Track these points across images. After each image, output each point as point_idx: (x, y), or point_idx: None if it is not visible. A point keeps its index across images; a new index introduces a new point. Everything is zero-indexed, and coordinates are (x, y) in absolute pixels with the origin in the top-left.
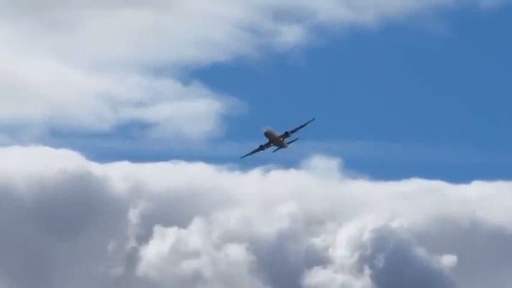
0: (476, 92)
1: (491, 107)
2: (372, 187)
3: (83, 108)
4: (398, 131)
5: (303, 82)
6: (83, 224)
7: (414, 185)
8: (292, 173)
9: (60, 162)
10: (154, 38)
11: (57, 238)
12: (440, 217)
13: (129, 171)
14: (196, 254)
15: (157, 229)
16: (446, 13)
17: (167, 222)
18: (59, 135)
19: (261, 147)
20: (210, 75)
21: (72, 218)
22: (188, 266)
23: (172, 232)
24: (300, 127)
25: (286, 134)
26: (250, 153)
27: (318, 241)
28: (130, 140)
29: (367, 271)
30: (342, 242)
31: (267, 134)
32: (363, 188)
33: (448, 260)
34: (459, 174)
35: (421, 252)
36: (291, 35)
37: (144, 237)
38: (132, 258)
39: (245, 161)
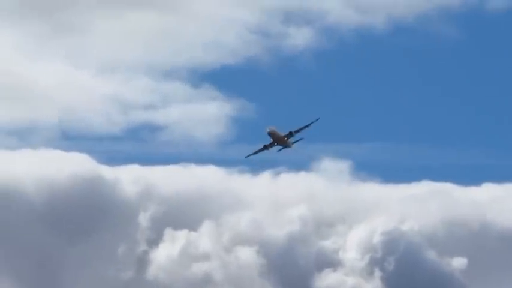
0: (485, 94)
1: (500, 108)
2: (382, 190)
3: (92, 111)
4: (408, 133)
5: (312, 84)
6: (93, 227)
7: (424, 188)
8: (302, 176)
9: (70, 166)
10: (164, 40)
11: (68, 241)
12: (450, 219)
13: (139, 175)
14: (206, 257)
15: (168, 232)
16: (453, 15)
17: (177, 225)
18: (69, 138)
19: (265, 147)
20: (219, 78)
21: (82, 221)
22: (198, 269)
23: (183, 235)
24: (305, 127)
25: (291, 134)
26: (255, 153)
27: (328, 244)
28: (140, 143)
29: (377, 274)
30: (352, 244)
31: (271, 134)
32: (373, 191)
33: (459, 262)
34: (469, 177)
35: (431, 254)
36: (300, 38)
37: (155, 241)
38: (142, 262)
39: (255, 164)
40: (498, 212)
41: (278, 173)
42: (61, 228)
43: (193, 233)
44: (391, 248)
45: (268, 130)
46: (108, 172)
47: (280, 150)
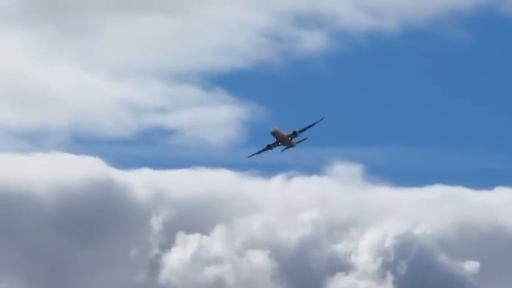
0: (498, 97)
1: None
2: (394, 193)
3: (104, 114)
4: (420, 137)
5: (324, 88)
6: (105, 231)
7: (437, 191)
8: (314, 180)
9: (82, 169)
10: (175, 44)
11: (79, 245)
12: (463, 223)
13: (151, 178)
14: (218, 260)
15: (180, 236)
16: (465, 18)
17: (189, 229)
18: (80, 141)
19: (269, 147)
20: (231, 82)
21: (94, 225)
22: (210, 272)
23: (195, 239)
24: (309, 127)
25: (294, 134)
26: (258, 153)
27: (340, 247)
28: (151, 147)
29: (389, 277)
30: (365, 248)
31: (274, 133)
32: (385, 195)
33: (471, 266)
34: (482, 180)
35: (443, 258)
36: (311, 41)
37: (167, 244)
38: (154, 265)
39: (268, 167)
40: (510, 215)
41: (290, 177)
42: (73, 232)
43: (205, 237)
44: (403, 251)
45: (271, 130)
46: (119, 176)
47: (284, 150)
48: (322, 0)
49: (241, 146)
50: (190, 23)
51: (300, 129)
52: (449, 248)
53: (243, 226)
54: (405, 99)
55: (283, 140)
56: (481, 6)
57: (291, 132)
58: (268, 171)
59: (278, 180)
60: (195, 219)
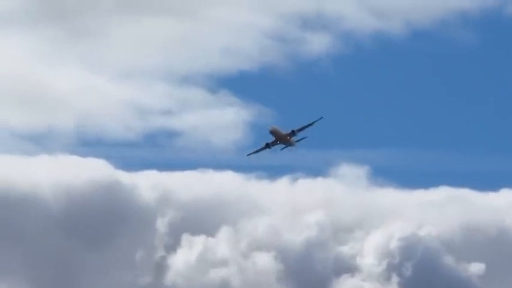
0: (504, 99)
1: None
2: (399, 195)
3: (110, 116)
4: (426, 139)
5: (330, 89)
6: (110, 232)
7: (442, 193)
8: (320, 181)
9: (87, 171)
10: (180, 46)
11: (85, 247)
12: (468, 225)
13: (157, 180)
14: (224, 262)
15: (185, 238)
16: (471, 20)
17: (195, 231)
18: (86, 143)
19: (267, 145)
20: (237, 84)
21: (100, 227)
22: (216, 274)
23: (200, 241)
24: (308, 125)
25: (293, 133)
26: (257, 151)
27: (345, 249)
28: (157, 149)
29: (395, 279)
30: (370, 250)
31: (273, 132)
32: (390, 196)
33: (476, 268)
34: (487, 182)
35: (449, 260)
36: (317, 43)
37: (172, 246)
38: (160, 267)
39: (273, 169)
40: None
41: (295, 179)
42: (78, 234)
43: (210, 239)
44: (408, 253)
45: (270, 129)
46: (125, 178)
47: (283, 148)
48: (328, 2)
49: (247, 148)
50: (196, 25)
51: (299, 128)
52: (455, 250)
53: (249, 228)
54: (411, 101)
55: (282, 139)
56: (486, 8)
57: (290, 131)
58: (274, 173)
59: (283, 182)
60: (200, 221)
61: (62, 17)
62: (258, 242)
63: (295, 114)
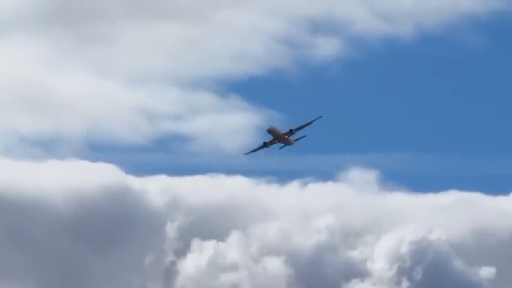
0: None
1: None
2: (409, 199)
3: (120, 121)
4: (435, 143)
5: (340, 94)
6: (120, 237)
7: (452, 197)
8: (330, 186)
9: (97, 176)
10: (191, 51)
11: (95, 252)
12: (478, 229)
13: (167, 185)
14: (234, 267)
15: (195, 242)
16: (481, 24)
17: (205, 236)
18: (96, 149)
19: (265, 144)
20: (247, 88)
21: (109, 232)
22: (226, 279)
23: (210, 245)
24: (306, 124)
25: (291, 132)
26: (255, 150)
27: (356, 254)
28: (168, 154)
29: (405, 283)
30: (380, 254)
31: (271, 131)
32: (400, 200)
33: (487, 272)
34: (497, 186)
35: (459, 264)
36: (327, 48)
37: (182, 251)
38: (170, 272)
39: (283, 174)
40: None
41: (305, 183)
42: (88, 239)
43: (221, 244)
44: (419, 257)
45: (267, 127)
46: (135, 183)
47: (281, 147)
48: (338, 6)
49: (257, 153)
50: (206, 30)
51: (297, 126)
52: (465, 254)
53: (259, 232)
54: (421, 105)
55: (280, 138)
56: (496, 11)
57: (288, 130)
58: (284, 177)
59: (293, 187)
60: (210, 225)
61: (72, 22)
62: (268, 247)
63: (305, 119)
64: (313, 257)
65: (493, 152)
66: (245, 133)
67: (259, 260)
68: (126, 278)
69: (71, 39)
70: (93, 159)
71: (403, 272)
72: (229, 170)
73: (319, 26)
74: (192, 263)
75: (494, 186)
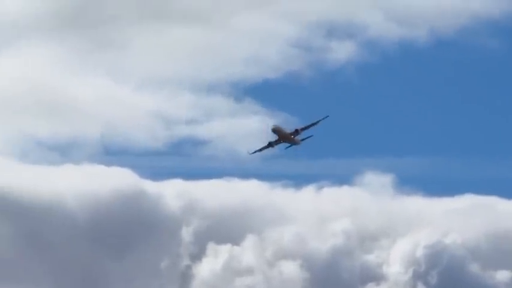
0: None
1: None
2: (425, 203)
3: (135, 126)
4: (451, 147)
5: (355, 98)
6: (136, 242)
7: (468, 201)
8: (345, 190)
9: (113, 181)
10: (205, 55)
11: (111, 256)
12: (494, 233)
13: (183, 189)
14: (249, 271)
15: (211, 247)
16: (496, 27)
17: (220, 240)
18: (111, 153)
19: (270, 144)
20: (261, 92)
21: (125, 236)
22: (241, 283)
23: (226, 249)
24: (312, 124)
25: (297, 132)
26: (260, 150)
27: (371, 258)
28: (183, 158)
29: (420, 287)
30: (396, 258)
31: (275, 131)
32: (416, 204)
33: (503, 275)
34: None
35: (475, 268)
36: (342, 51)
37: (198, 255)
38: (185, 276)
39: (299, 178)
40: None
41: (321, 187)
42: (104, 243)
43: (236, 248)
44: (434, 261)
45: (272, 127)
46: (151, 187)
47: (288, 147)
48: (353, 10)
49: (272, 157)
50: (220, 34)
51: (303, 126)
52: (481, 258)
53: (274, 236)
54: (436, 109)
55: (286, 138)
56: (511, 14)
57: (293, 130)
58: (299, 181)
59: (309, 191)
60: (226, 229)
61: (87, 27)
62: (284, 251)
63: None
64: (329, 261)
65: (509, 155)
66: (260, 136)
67: (275, 264)
68: (142, 282)
69: (86, 44)
70: (109, 164)
71: (419, 276)
72: (245, 174)
73: (333, 30)
74: (208, 267)
75: (510, 190)
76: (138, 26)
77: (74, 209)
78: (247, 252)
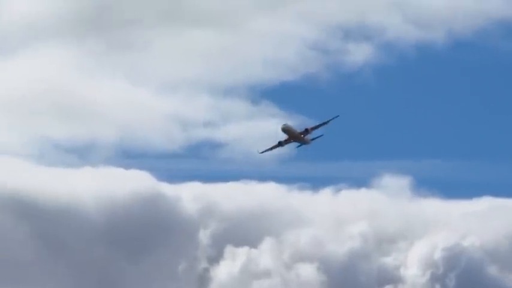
0: None
1: None
2: (443, 205)
3: (152, 128)
4: (468, 149)
5: (372, 100)
6: (153, 244)
7: (486, 203)
8: (363, 192)
9: (130, 183)
10: (223, 58)
11: (128, 259)
12: None
13: (200, 192)
14: (267, 274)
15: (228, 249)
16: None
17: (238, 242)
18: (129, 156)
19: (280, 144)
20: (279, 95)
21: (142, 239)
22: (259, 286)
23: (243, 252)
24: (322, 124)
25: (307, 131)
26: (270, 149)
27: (389, 260)
28: (200, 160)
29: None
30: (414, 261)
31: (285, 130)
32: (434, 207)
33: None
34: None
35: (493, 270)
36: (359, 54)
37: (215, 258)
38: (203, 279)
39: (316, 181)
40: None
41: (338, 190)
42: (121, 246)
43: (253, 250)
44: (452, 264)
45: (282, 127)
46: (168, 189)
47: (298, 146)
48: (370, 12)
49: (289, 160)
50: (238, 37)
51: (313, 126)
52: (499, 260)
53: (292, 239)
54: (453, 111)
55: (295, 137)
56: None
57: (303, 130)
58: (317, 184)
59: (326, 193)
60: (243, 232)
61: (105, 30)
62: (301, 253)
63: (337, 125)
64: (346, 264)
65: None
66: (277, 139)
67: (292, 266)
68: (160, 285)
69: (104, 46)
70: (126, 166)
71: (436, 279)
72: (262, 177)
73: (350, 32)
74: (225, 270)
75: None
76: (156, 29)
77: (91, 211)
78: (264, 255)
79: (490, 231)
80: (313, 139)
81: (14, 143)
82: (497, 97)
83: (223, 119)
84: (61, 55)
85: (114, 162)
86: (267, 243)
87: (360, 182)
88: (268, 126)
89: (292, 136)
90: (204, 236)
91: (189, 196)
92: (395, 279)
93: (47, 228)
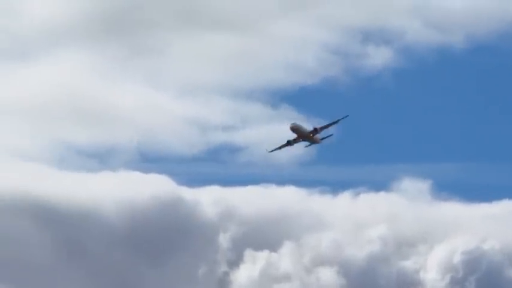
0: None
1: None
2: (463, 209)
3: (172, 132)
4: (488, 152)
5: (391, 104)
6: (173, 248)
7: (506, 207)
8: (382, 196)
9: (150, 187)
10: (242, 62)
11: (148, 263)
12: None
13: (220, 196)
14: (287, 277)
15: (248, 253)
16: None
17: (258, 246)
18: (148, 160)
19: (289, 143)
20: (298, 99)
21: (162, 243)
22: None
23: (263, 256)
24: (332, 123)
25: (316, 131)
26: (279, 148)
27: (409, 264)
28: (220, 164)
29: None
30: (433, 264)
31: (294, 129)
32: (454, 210)
33: None
34: None
35: None
36: (378, 57)
37: (235, 262)
38: (223, 283)
39: (335, 184)
40: None
41: (358, 193)
42: (141, 250)
43: (273, 254)
44: (472, 267)
45: (291, 126)
46: (188, 193)
47: (308, 146)
48: (389, 16)
49: (309, 163)
50: (257, 41)
51: (322, 126)
52: None
53: (312, 243)
54: (473, 115)
55: (305, 136)
56: None
57: (312, 129)
58: (336, 187)
59: (346, 197)
60: (263, 236)
61: (125, 34)
62: (321, 257)
63: (356, 129)
64: (366, 268)
65: None
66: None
67: (312, 270)
68: None
69: (123, 51)
70: (146, 171)
71: (456, 282)
72: (281, 181)
73: (370, 36)
74: (245, 274)
75: None
76: (176, 33)
77: (111, 215)
78: (284, 259)
79: (510, 235)
80: (322, 139)
81: (35, 148)
82: None
83: (242, 123)
84: (81, 60)
85: (134, 166)
86: (286, 247)
87: (380, 185)
88: (288, 130)
89: (301, 135)
90: (223, 240)
91: (209, 200)
92: (415, 283)
93: (67, 232)
